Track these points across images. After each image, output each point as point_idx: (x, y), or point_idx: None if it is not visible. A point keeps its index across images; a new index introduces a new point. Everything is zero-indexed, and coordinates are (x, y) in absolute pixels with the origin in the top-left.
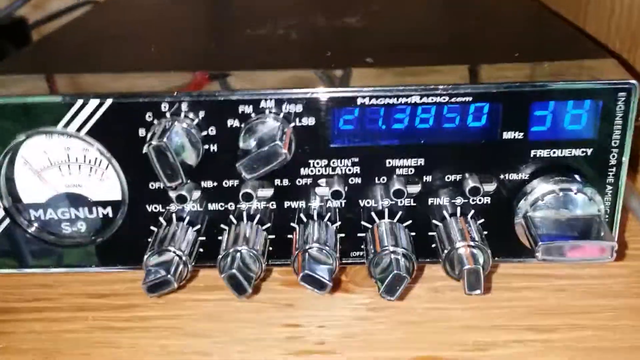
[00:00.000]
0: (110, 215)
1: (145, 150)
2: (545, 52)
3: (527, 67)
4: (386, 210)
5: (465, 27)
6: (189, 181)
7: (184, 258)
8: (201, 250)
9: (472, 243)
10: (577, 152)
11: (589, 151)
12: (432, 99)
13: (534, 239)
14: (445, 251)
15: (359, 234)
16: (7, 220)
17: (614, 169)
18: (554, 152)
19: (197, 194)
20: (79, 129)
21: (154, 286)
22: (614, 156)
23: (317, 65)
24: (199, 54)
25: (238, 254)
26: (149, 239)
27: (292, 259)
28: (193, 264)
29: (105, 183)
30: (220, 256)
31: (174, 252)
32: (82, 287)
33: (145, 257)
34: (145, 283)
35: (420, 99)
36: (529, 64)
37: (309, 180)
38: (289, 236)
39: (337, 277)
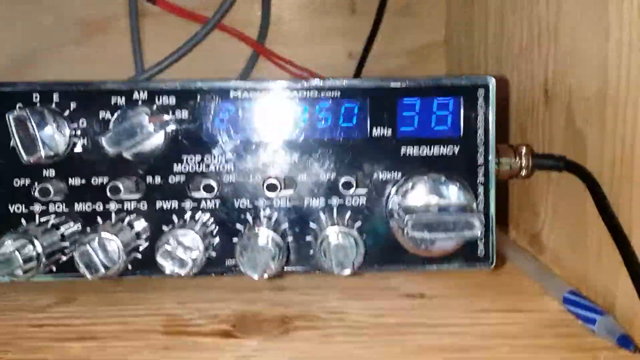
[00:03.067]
0: None
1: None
2: None
3: None
4: (261, 212)
5: None
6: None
7: (38, 247)
8: (63, 258)
9: (341, 228)
10: (445, 150)
11: (456, 150)
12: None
13: (403, 219)
14: (317, 241)
15: (234, 239)
16: None
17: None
18: (423, 151)
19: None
20: None
21: None
22: (480, 154)
23: None
24: None
25: (97, 237)
26: None
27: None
28: (46, 263)
29: None
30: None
31: (19, 243)
32: None
33: None
34: None
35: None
36: None
37: (182, 178)
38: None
39: (224, 328)
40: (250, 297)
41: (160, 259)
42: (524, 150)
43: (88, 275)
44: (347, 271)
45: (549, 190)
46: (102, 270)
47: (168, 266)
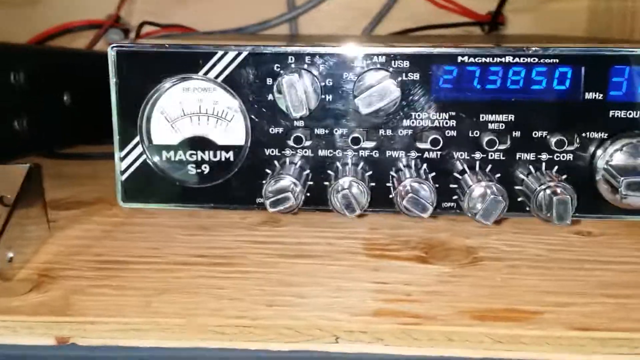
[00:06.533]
0: (232, 158)
1: (278, 83)
2: None
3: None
4: (477, 163)
5: None
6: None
7: (299, 186)
8: (308, 194)
9: (558, 183)
10: None
11: None
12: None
13: (615, 179)
14: (535, 192)
15: (451, 185)
16: (143, 158)
17: None
18: (630, 114)
19: (309, 142)
20: (217, 77)
21: (276, 202)
22: None
23: None
24: None
25: (347, 183)
26: (263, 182)
27: (395, 192)
28: (303, 197)
29: (230, 132)
30: (333, 184)
31: (290, 180)
32: (184, 250)
33: (265, 186)
34: (268, 198)
35: (513, 59)
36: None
37: (410, 132)
38: (387, 184)
39: (418, 254)
40: (431, 226)
41: (407, 204)
42: None
43: (347, 214)
44: (568, 222)
45: None
46: (358, 210)
47: (415, 210)
